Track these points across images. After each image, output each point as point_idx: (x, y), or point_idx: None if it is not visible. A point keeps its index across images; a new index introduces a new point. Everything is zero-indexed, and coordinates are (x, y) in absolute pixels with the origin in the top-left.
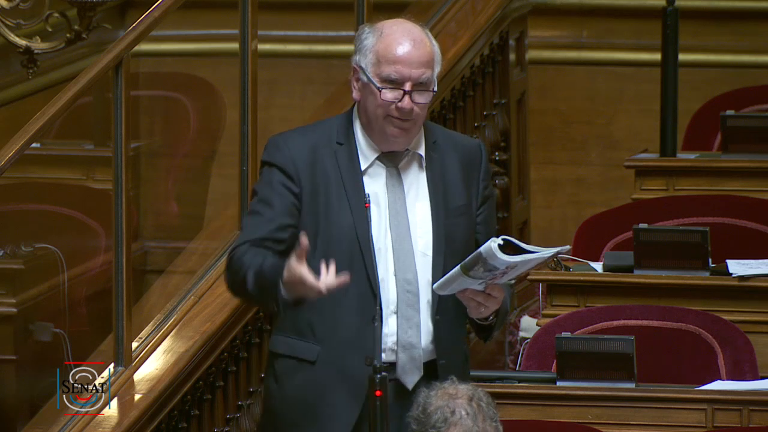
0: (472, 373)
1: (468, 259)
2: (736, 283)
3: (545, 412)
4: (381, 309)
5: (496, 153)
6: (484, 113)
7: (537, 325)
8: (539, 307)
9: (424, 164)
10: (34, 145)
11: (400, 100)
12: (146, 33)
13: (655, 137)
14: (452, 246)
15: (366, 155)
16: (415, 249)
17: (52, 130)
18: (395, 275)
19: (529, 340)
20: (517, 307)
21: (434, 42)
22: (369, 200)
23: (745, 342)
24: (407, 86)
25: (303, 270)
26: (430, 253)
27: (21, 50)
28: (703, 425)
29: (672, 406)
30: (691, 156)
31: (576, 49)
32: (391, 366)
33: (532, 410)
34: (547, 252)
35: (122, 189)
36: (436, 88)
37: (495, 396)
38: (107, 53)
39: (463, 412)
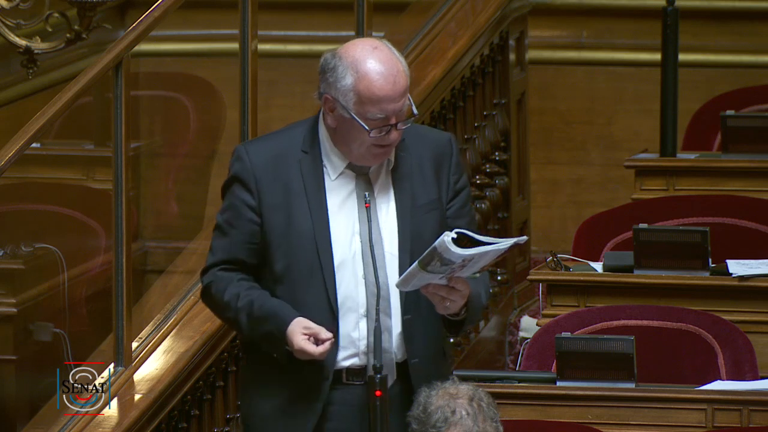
0: (472, 373)
1: (424, 254)
2: (736, 283)
3: (545, 412)
4: (379, 309)
5: (496, 153)
6: (484, 113)
7: (537, 325)
8: (539, 307)
9: (392, 165)
10: (34, 145)
11: (387, 133)
12: (146, 33)
13: (655, 137)
14: (420, 243)
15: (335, 164)
16: (384, 251)
17: (52, 130)
18: (364, 278)
19: (529, 340)
20: (517, 307)
21: (401, 58)
22: (369, 200)
23: (745, 342)
24: (393, 120)
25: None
26: (396, 252)
27: (21, 50)
28: (703, 425)
29: (672, 406)
30: (691, 156)
31: (576, 49)
32: (363, 370)
33: (532, 410)
34: (504, 243)
35: (122, 189)
36: (416, 111)
37: (495, 396)
38: (107, 53)
39: (464, 412)
